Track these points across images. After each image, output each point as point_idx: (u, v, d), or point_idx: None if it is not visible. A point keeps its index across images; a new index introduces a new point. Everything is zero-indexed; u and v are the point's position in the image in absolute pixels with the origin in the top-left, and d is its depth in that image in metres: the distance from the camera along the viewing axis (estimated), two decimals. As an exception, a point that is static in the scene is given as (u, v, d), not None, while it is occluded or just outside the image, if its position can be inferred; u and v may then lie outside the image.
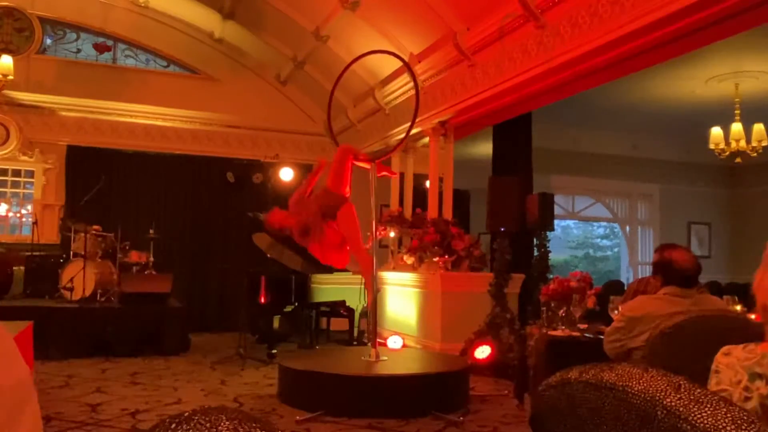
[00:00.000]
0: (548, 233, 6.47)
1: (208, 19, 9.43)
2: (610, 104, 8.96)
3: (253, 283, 7.05)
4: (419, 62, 7.29)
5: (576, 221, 15.75)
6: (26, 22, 9.14)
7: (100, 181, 8.23)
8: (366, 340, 7.60)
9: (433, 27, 6.93)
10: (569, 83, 5.85)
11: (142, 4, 9.35)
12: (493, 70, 6.32)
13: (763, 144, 7.61)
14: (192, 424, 0.60)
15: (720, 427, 0.72)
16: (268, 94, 10.27)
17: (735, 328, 2.48)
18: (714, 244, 12.48)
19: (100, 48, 9.71)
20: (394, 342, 6.78)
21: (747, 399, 1.22)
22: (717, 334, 2.42)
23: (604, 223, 15.93)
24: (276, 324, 7.72)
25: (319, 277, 8.55)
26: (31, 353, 4.20)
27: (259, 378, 5.80)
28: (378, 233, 6.14)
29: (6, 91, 8.61)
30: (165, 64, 10.03)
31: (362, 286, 7.18)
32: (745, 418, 0.73)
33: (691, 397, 0.75)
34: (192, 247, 9.60)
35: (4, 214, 9.17)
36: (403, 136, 7.76)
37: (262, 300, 6.96)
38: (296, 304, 7.51)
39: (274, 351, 6.77)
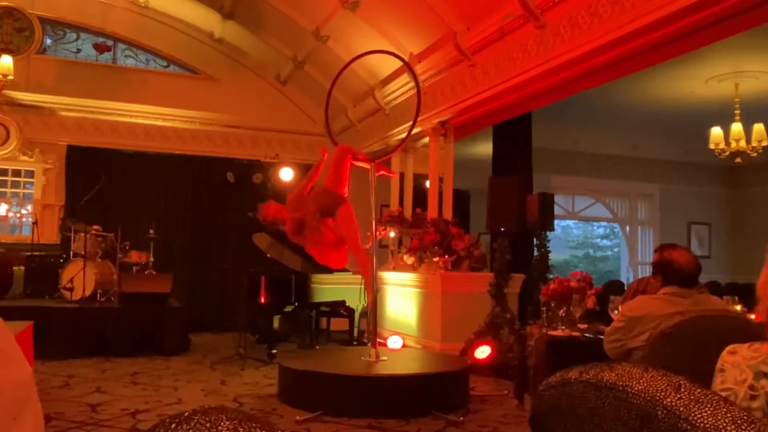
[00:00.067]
0: (548, 233, 6.47)
1: (208, 19, 9.44)
2: (610, 104, 8.96)
3: (253, 283, 7.05)
4: (419, 62, 7.29)
5: (576, 221, 15.75)
6: (26, 22, 9.14)
7: (100, 181, 8.23)
8: (366, 340, 7.61)
9: (433, 27, 6.93)
10: (569, 83, 5.85)
11: (142, 4, 9.35)
12: (493, 70, 6.32)
13: (763, 144, 7.61)
14: (192, 424, 0.60)
15: (720, 427, 0.72)
16: (268, 94, 10.27)
17: (735, 328, 2.48)
18: (714, 244, 12.48)
19: (100, 48, 9.72)
20: (394, 342, 6.78)
21: (753, 397, 1.23)
22: (717, 334, 2.42)
23: (604, 223, 15.94)
24: (276, 324, 7.72)
25: (319, 277, 8.55)
26: (31, 353, 4.21)
27: (259, 378, 5.80)
28: (378, 233, 6.14)
29: (6, 91, 8.61)
30: (165, 64, 10.03)
31: (362, 286, 7.17)
32: (745, 418, 0.73)
33: (692, 397, 0.75)
34: (192, 247, 9.60)
35: (4, 214, 9.17)
36: (403, 136, 7.77)
37: (262, 300, 6.96)
38: (296, 304, 7.51)
39: (274, 351, 6.77)
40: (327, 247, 5.09)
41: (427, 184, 7.94)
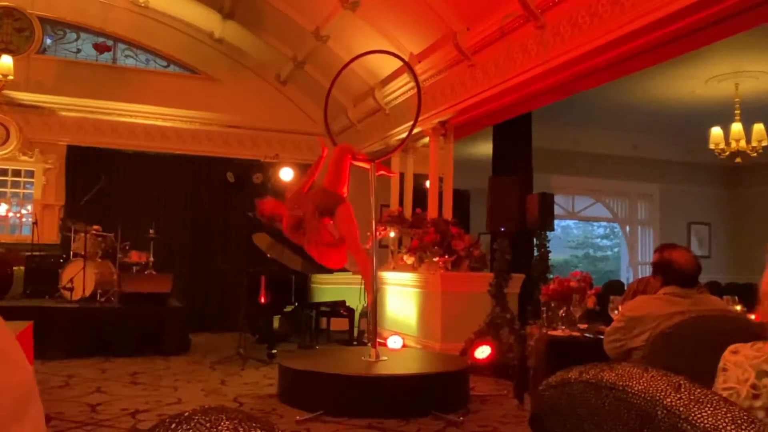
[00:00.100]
0: (548, 233, 6.46)
1: (208, 19, 9.44)
2: (610, 104, 8.96)
3: (253, 283, 7.05)
4: (419, 62, 7.29)
5: (576, 221, 15.75)
6: (26, 22, 9.14)
7: (100, 181, 8.23)
8: (366, 340, 7.61)
9: (433, 27, 6.93)
10: (569, 83, 5.86)
11: (142, 4, 9.35)
12: (493, 70, 6.32)
13: (763, 144, 7.61)
14: (192, 424, 0.60)
15: (720, 426, 0.72)
16: (268, 94, 10.27)
17: (735, 328, 2.48)
18: (714, 244, 12.49)
19: (100, 48, 9.72)
20: (394, 342, 6.78)
21: (755, 396, 1.24)
22: (717, 334, 2.42)
23: (604, 223, 15.94)
24: (276, 324, 7.72)
25: (319, 277, 8.55)
26: (31, 353, 4.20)
27: (259, 378, 5.80)
28: (378, 233, 6.13)
29: (6, 91, 8.61)
30: (165, 64, 10.03)
31: (362, 286, 7.18)
32: (745, 418, 0.73)
33: (691, 397, 0.75)
34: (192, 247, 9.60)
35: (4, 214, 9.17)
36: (402, 136, 7.78)
37: (262, 300, 6.96)
38: (296, 304, 7.51)
39: (274, 351, 6.77)
40: (326, 247, 5.08)
41: (427, 184, 7.94)
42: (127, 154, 9.56)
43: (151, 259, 7.99)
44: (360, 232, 5.30)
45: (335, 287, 8.45)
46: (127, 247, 7.86)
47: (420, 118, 5.85)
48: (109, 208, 8.98)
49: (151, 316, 7.07)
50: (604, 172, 11.61)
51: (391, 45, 7.25)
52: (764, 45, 6.67)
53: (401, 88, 8.08)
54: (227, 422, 0.60)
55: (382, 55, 6.56)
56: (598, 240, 18.66)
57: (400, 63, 6.64)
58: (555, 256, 9.14)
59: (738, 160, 7.88)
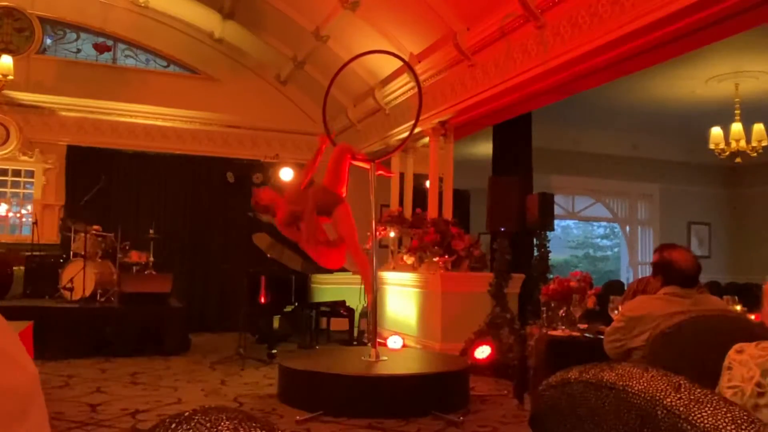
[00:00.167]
0: (548, 233, 6.47)
1: (208, 19, 9.44)
2: (610, 104, 8.96)
3: (253, 283, 7.05)
4: (419, 62, 7.29)
5: (576, 221, 15.76)
6: (26, 22, 9.14)
7: (100, 181, 8.23)
8: (366, 340, 7.60)
9: (433, 27, 6.93)
10: (569, 83, 5.86)
11: (142, 4, 9.35)
12: (493, 70, 6.32)
13: (763, 144, 7.61)
14: (192, 424, 0.60)
15: (720, 426, 0.72)
16: (268, 94, 10.27)
17: (735, 328, 2.48)
18: (714, 244, 12.49)
19: (100, 48, 9.72)
20: (394, 342, 6.78)
21: (760, 394, 1.26)
22: (717, 334, 2.42)
23: (604, 223, 15.94)
24: (276, 324, 7.72)
25: (319, 277, 8.55)
26: (31, 353, 4.19)
27: (259, 378, 5.80)
28: (378, 233, 6.13)
29: (6, 91, 8.61)
30: (165, 64, 10.03)
31: (362, 286, 7.18)
32: (745, 417, 0.73)
33: (691, 397, 0.75)
34: (192, 247, 9.60)
35: (4, 214, 9.17)
36: (402, 135, 7.78)
37: (262, 300, 6.96)
38: (296, 304, 7.51)
39: (274, 351, 6.77)
40: (324, 247, 5.06)
41: (427, 184, 7.94)
42: (127, 154, 9.56)
43: (151, 259, 7.99)
44: (360, 232, 5.29)
45: (335, 287, 8.45)
46: (127, 247, 7.86)
47: (420, 118, 5.85)
48: (109, 208, 8.98)
49: (151, 316, 7.07)
50: (604, 172, 11.61)
51: (391, 45, 7.25)
52: (764, 45, 6.67)
53: (401, 88, 8.08)
54: (227, 422, 0.60)
55: (382, 55, 6.56)
56: (598, 240, 18.66)
57: (400, 63, 6.64)
58: (555, 256, 9.14)
59: (738, 160, 7.88)
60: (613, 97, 8.49)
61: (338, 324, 8.21)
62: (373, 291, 5.26)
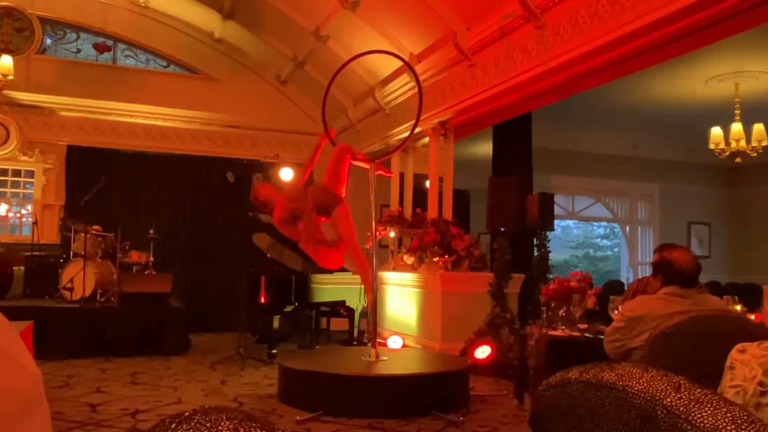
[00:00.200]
0: (548, 233, 6.47)
1: (208, 19, 9.44)
2: (610, 104, 8.96)
3: (253, 283, 7.05)
4: (419, 62, 7.29)
5: (576, 221, 15.76)
6: (26, 22, 9.14)
7: (100, 181, 8.23)
8: (366, 340, 7.60)
9: (433, 27, 6.93)
10: (569, 83, 5.86)
11: (142, 4, 9.35)
12: (493, 70, 6.32)
13: (763, 144, 7.61)
14: (192, 424, 0.60)
15: (720, 426, 0.72)
16: (268, 94, 10.27)
17: (735, 328, 2.48)
18: (714, 244, 12.49)
19: (100, 48, 9.72)
20: (394, 342, 6.78)
21: (762, 393, 1.27)
22: (717, 334, 2.42)
23: (604, 223, 15.94)
24: (276, 324, 7.72)
25: (319, 277, 8.55)
26: (31, 353, 4.20)
27: (259, 378, 5.80)
28: (378, 233, 6.12)
29: (6, 91, 8.61)
30: (165, 64, 10.03)
31: (362, 286, 7.18)
32: (745, 417, 0.73)
33: (691, 397, 0.75)
34: (192, 247, 9.60)
35: (4, 214, 9.17)
36: (402, 135, 7.78)
37: (262, 300, 6.96)
38: (296, 304, 7.51)
39: (274, 351, 6.77)
40: (323, 247, 5.05)
41: (427, 184, 7.94)
42: (127, 154, 9.56)
43: (151, 259, 7.99)
44: (360, 232, 5.29)
45: (335, 287, 8.45)
46: (127, 247, 7.86)
47: (420, 118, 5.85)
48: (109, 208, 8.98)
49: (151, 316, 7.07)
50: (604, 172, 11.61)
51: (391, 45, 7.25)
52: (764, 45, 6.67)
53: (401, 88, 8.08)
54: (227, 422, 0.60)
55: (382, 55, 6.56)
56: (598, 240, 18.66)
57: (400, 63, 6.64)
58: (555, 256, 9.14)
59: (738, 160, 7.88)
60: (613, 97, 8.49)
61: (338, 324, 8.21)
62: (373, 291, 5.26)
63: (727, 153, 7.85)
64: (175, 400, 4.86)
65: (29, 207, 9.21)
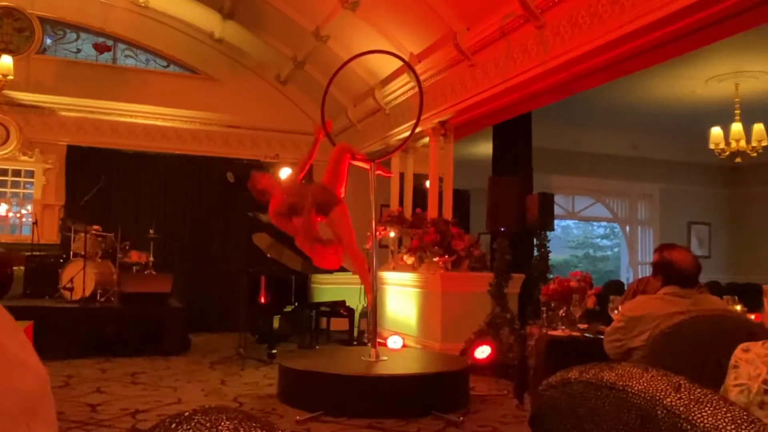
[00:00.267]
0: (548, 233, 6.47)
1: (208, 19, 9.44)
2: (610, 104, 8.96)
3: (253, 283, 7.05)
4: (419, 62, 7.29)
5: (576, 221, 15.76)
6: (26, 22, 9.14)
7: (100, 181, 8.23)
8: (366, 340, 7.60)
9: (433, 27, 6.93)
10: (569, 83, 5.86)
11: (142, 4, 9.35)
12: (493, 70, 6.32)
13: (763, 144, 7.61)
14: (192, 424, 0.60)
15: (720, 426, 0.72)
16: (268, 94, 10.27)
17: (735, 328, 2.48)
18: (714, 244, 12.49)
19: (100, 48, 9.72)
20: (394, 342, 6.78)
21: (767, 392, 1.28)
22: (717, 334, 2.42)
23: (604, 223, 15.94)
24: (276, 324, 7.72)
25: (319, 277, 8.55)
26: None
27: (259, 378, 5.80)
28: (378, 233, 6.12)
29: (6, 91, 8.61)
30: (165, 64, 10.03)
31: (362, 286, 7.18)
32: (745, 417, 0.73)
33: (691, 397, 0.75)
34: (192, 247, 9.60)
35: (4, 214, 9.17)
36: (402, 135, 7.78)
37: (262, 300, 6.96)
38: (296, 304, 7.51)
39: (274, 351, 6.77)
40: (321, 246, 5.03)
41: (427, 184, 7.94)
42: (127, 154, 9.56)
43: (151, 259, 7.99)
44: (360, 232, 5.28)
45: (335, 287, 8.45)
46: (127, 247, 7.86)
47: (420, 118, 5.85)
48: (109, 208, 8.99)
49: (151, 316, 7.07)
50: (604, 172, 11.61)
51: (391, 45, 7.24)
52: (764, 45, 6.67)
53: (401, 88, 8.08)
54: (227, 422, 0.60)
55: (382, 55, 6.56)
56: (598, 240, 18.66)
57: (400, 63, 6.64)
58: (555, 256, 9.14)
59: (738, 160, 7.88)
60: (613, 97, 8.49)
61: (338, 324, 8.21)
62: (373, 291, 5.26)
63: (727, 153, 7.85)
64: (175, 400, 4.86)
65: (29, 207, 9.21)
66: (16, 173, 9.20)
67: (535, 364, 3.92)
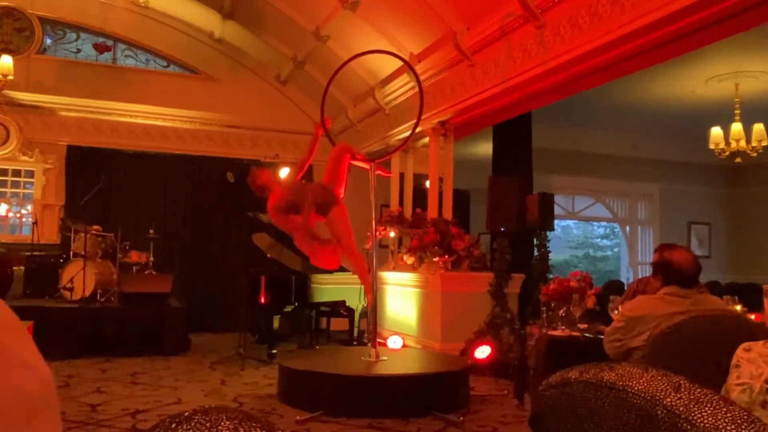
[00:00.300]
0: (548, 233, 6.46)
1: (208, 19, 9.44)
2: (610, 104, 8.96)
3: (253, 283, 7.05)
4: (419, 62, 7.29)
5: (576, 221, 15.75)
6: (26, 22, 9.14)
7: (100, 181, 8.23)
8: (366, 340, 7.60)
9: (433, 27, 6.93)
10: (569, 83, 5.85)
11: (142, 4, 9.35)
12: (493, 70, 6.32)
13: (763, 144, 7.61)
14: (192, 424, 0.60)
15: (720, 426, 0.72)
16: (268, 94, 10.27)
17: (735, 328, 2.48)
18: (714, 244, 12.49)
19: (100, 48, 9.72)
20: (394, 342, 6.78)
21: None
22: (717, 334, 2.42)
23: (604, 223, 15.94)
24: (276, 324, 7.72)
25: (319, 277, 8.55)
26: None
27: (259, 378, 5.80)
28: (378, 233, 6.12)
29: (6, 91, 8.61)
30: (165, 64, 10.03)
31: (362, 286, 7.18)
32: (745, 417, 0.73)
33: (691, 397, 0.75)
34: (192, 247, 9.60)
35: (4, 214, 9.17)
36: (403, 135, 7.78)
37: (262, 300, 6.96)
38: (296, 304, 7.51)
39: (274, 351, 6.77)
40: (319, 246, 5.03)
41: (427, 184, 7.94)
42: (127, 154, 9.56)
43: (151, 259, 7.99)
44: (360, 232, 5.28)
45: (335, 287, 8.45)
46: (127, 247, 7.86)
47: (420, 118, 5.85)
48: (109, 208, 8.99)
49: (151, 316, 7.07)
50: (604, 172, 11.61)
51: (391, 45, 7.24)
52: (764, 45, 6.67)
53: (401, 88, 8.08)
54: (227, 422, 0.60)
55: (382, 55, 6.56)
56: (598, 240, 18.66)
57: (400, 63, 6.64)
58: (555, 256, 9.14)
59: (738, 160, 7.88)
60: (613, 97, 8.49)
61: (338, 324, 8.21)
62: (373, 291, 5.26)
63: (727, 153, 7.84)
64: (175, 400, 4.86)
65: (29, 207, 9.21)
66: (16, 173, 9.20)
67: (535, 364, 3.93)
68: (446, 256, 6.82)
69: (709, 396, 0.76)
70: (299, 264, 7.06)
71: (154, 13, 9.56)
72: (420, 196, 8.24)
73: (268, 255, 6.98)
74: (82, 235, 7.46)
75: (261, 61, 10.05)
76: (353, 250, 5.16)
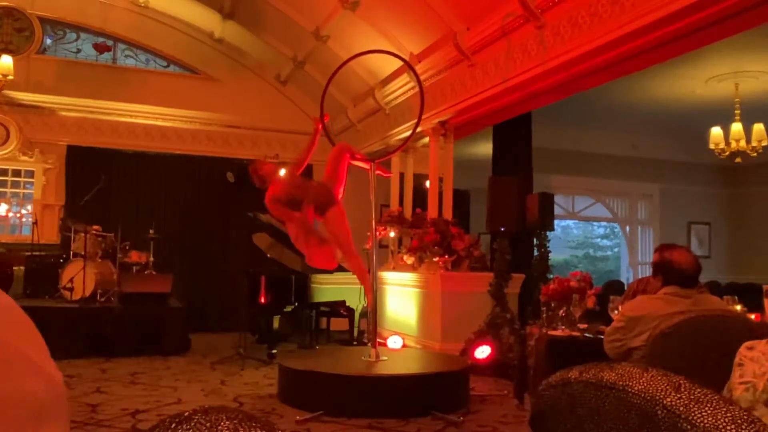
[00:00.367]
0: (548, 233, 6.47)
1: (208, 19, 9.44)
2: (610, 104, 8.96)
3: (253, 283, 7.05)
4: (419, 62, 7.29)
5: (576, 221, 15.75)
6: (26, 22, 9.14)
7: (100, 181, 8.23)
8: (366, 340, 7.60)
9: (433, 27, 6.93)
10: (569, 83, 5.85)
11: (142, 4, 9.35)
12: (493, 70, 6.32)
13: (763, 144, 7.61)
14: (192, 424, 0.60)
15: (720, 426, 0.72)
16: (268, 94, 10.27)
17: (735, 328, 2.48)
18: (714, 244, 12.49)
19: (100, 48, 9.72)
20: (394, 342, 6.78)
21: None
22: (717, 334, 2.42)
23: (604, 223, 15.94)
24: (276, 324, 7.72)
25: (319, 277, 8.55)
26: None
27: (259, 378, 5.80)
28: (378, 233, 6.12)
29: (6, 91, 8.61)
30: (165, 64, 10.03)
31: (362, 286, 7.18)
32: (745, 417, 0.73)
33: (691, 397, 0.75)
34: (192, 247, 9.60)
35: (4, 214, 9.17)
36: (403, 135, 7.78)
37: (262, 300, 6.96)
38: (296, 304, 7.51)
39: (274, 351, 6.77)
40: (315, 245, 5.03)
41: (427, 184, 7.94)
42: (127, 154, 9.56)
43: (151, 259, 7.99)
44: (360, 232, 5.28)
45: (335, 287, 8.44)
46: (127, 247, 7.86)
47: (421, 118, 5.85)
48: (109, 208, 8.98)
49: (151, 316, 7.07)
50: (604, 172, 11.61)
51: (391, 45, 7.24)
52: (764, 45, 6.67)
53: (401, 88, 8.08)
54: (227, 422, 0.60)
55: (382, 55, 6.56)
56: (598, 240, 18.66)
57: (400, 63, 6.64)
58: (555, 256, 9.14)
59: (738, 160, 7.88)
60: (613, 97, 8.49)
61: (338, 324, 8.21)
62: (373, 291, 5.26)
63: (727, 153, 7.84)
64: (175, 400, 4.86)
65: (29, 207, 9.21)
66: (16, 173, 9.20)
67: (535, 364, 3.92)
68: (446, 256, 6.82)
69: (709, 396, 0.76)
70: (299, 264, 7.06)
71: (154, 13, 9.56)
72: (420, 196, 8.24)
73: (268, 255, 6.98)
74: (82, 235, 7.46)
75: (261, 61, 10.05)
76: (352, 251, 5.15)
